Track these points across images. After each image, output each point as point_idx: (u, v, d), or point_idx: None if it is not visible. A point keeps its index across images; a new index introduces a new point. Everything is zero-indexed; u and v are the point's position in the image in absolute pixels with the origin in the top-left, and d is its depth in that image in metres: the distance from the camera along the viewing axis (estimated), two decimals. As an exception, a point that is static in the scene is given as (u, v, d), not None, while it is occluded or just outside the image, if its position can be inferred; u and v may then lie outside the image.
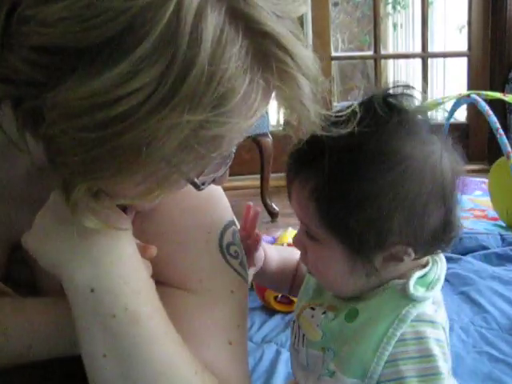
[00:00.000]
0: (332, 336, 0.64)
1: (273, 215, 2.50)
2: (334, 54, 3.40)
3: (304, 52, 0.48)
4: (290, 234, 1.59)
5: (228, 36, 0.43)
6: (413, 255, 0.61)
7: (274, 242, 1.63)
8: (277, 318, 1.44)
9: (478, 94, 1.94)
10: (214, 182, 0.59)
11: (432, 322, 0.60)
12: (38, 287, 0.68)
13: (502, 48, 3.21)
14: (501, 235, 1.85)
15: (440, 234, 0.61)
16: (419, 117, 0.61)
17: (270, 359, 1.25)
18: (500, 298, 1.45)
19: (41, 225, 0.57)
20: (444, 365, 0.59)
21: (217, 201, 0.72)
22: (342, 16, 5.69)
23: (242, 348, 0.69)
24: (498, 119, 1.86)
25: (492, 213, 2.16)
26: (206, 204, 0.70)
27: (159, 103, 0.42)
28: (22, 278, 0.68)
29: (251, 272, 0.75)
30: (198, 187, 0.54)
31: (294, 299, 1.41)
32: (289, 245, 1.51)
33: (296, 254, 0.82)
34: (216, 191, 0.73)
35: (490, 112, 1.86)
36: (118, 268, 0.56)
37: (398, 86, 0.63)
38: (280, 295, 1.44)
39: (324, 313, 0.66)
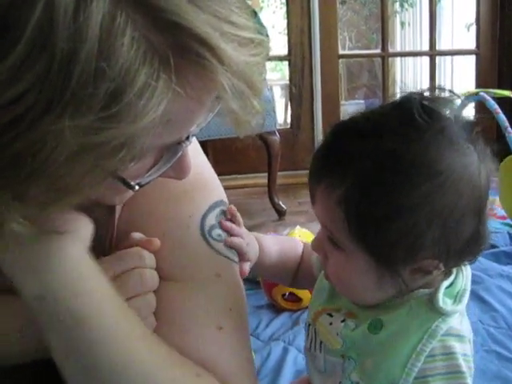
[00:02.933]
0: (353, 345, 0.62)
1: (280, 213, 2.50)
2: (341, 52, 3.38)
3: (229, 44, 0.43)
4: (298, 232, 1.59)
5: (120, 26, 0.39)
6: (442, 269, 0.59)
7: (282, 240, 1.62)
8: (284, 316, 1.45)
9: (487, 92, 1.93)
10: (174, 176, 0.57)
11: (459, 336, 0.59)
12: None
13: (511, 46, 3.20)
14: (509, 234, 1.85)
15: (470, 247, 0.59)
16: (457, 124, 0.58)
17: (277, 357, 1.25)
18: (508, 297, 1.45)
19: None
20: (470, 381, 0.58)
21: (203, 183, 0.70)
22: (349, 14, 5.69)
23: (237, 332, 0.67)
24: (507, 117, 1.86)
25: (501, 211, 2.15)
26: (191, 188, 0.68)
27: (45, 109, 0.39)
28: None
29: (247, 267, 0.72)
30: (130, 187, 0.51)
31: (302, 296, 1.42)
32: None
33: (299, 244, 0.81)
34: (204, 173, 0.71)
35: (499, 110, 1.86)
36: (57, 273, 0.55)
37: (434, 89, 0.61)
38: (287, 293, 1.44)
39: (343, 321, 0.64)
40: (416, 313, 0.59)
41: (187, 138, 0.53)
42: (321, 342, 0.66)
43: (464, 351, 0.59)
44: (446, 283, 0.60)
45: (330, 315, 0.66)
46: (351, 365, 0.62)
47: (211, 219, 0.68)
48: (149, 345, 0.59)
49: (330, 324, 0.65)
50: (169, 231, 0.66)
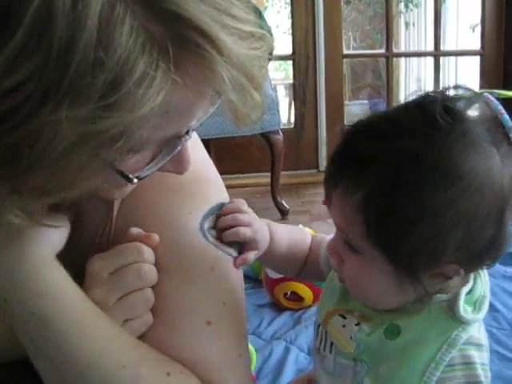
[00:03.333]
0: (367, 350, 0.61)
1: (283, 213, 2.50)
2: (345, 52, 3.37)
3: (229, 37, 0.43)
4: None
5: (119, 15, 0.39)
6: (462, 273, 0.58)
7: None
8: (286, 315, 1.45)
9: (491, 93, 1.92)
10: (172, 171, 0.57)
11: (479, 345, 0.58)
12: None
13: (516, 47, 3.19)
14: (513, 235, 1.84)
15: (490, 251, 0.58)
16: (481, 125, 0.57)
17: (279, 356, 1.25)
18: (511, 298, 1.45)
19: None
20: None
21: (203, 180, 0.70)
22: (353, 14, 5.68)
23: (228, 328, 0.66)
24: (511, 118, 1.85)
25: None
26: (192, 185, 0.68)
27: (43, 99, 0.39)
28: None
29: (252, 256, 0.69)
30: (129, 180, 0.51)
31: (304, 296, 1.42)
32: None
33: (308, 236, 0.78)
34: (205, 171, 0.71)
35: (503, 111, 1.85)
36: (19, 275, 0.56)
37: (456, 88, 0.59)
38: (289, 292, 1.45)
39: (357, 324, 0.62)
40: (435, 320, 0.58)
41: (187, 132, 0.53)
42: (331, 344, 0.65)
43: (482, 360, 0.57)
44: (465, 289, 0.59)
45: (343, 317, 0.64)
46: (364, 369, 0.61)
47: (211, 221, 0.68)
48: (114, 343, 0.59)
49: (343, 326, 0.63)
50: (167, 226, 0.66)
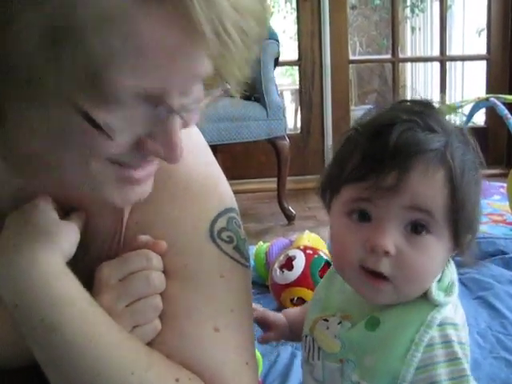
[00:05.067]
0: (351, 346, 0.63)
1: (289, 218, 2.50)
2: (351, 57, 3.39)
3: None
4: (307, 237, 1.59)
5: None
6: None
7: (291, 244, 1.63)
8: (293, 321, 1.45)
9: (497, 98, 1.92)
10: (163, 156, 0.54)
11: (454, 325, 0.61)
12: None
13: (522, 51, 3.19)
14: (519, 240, 1.84)
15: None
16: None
17: (285, 361, 1.25)
18: (518, 304, 1.44)
19: None
20: (468, 366, 0.60)
21: (213, 189, 0.70)
22: (359, 19, 5.69)
23: (236, 335, 0.65)
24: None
25: (511, 217, 2.14)
26: (201, 192, 0.68)
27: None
28: None
29: (271, 335, 0.79)
30: (96, 126, 0.48)
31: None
32: (305, 247, 1.51)
33: None
34: (214, 179, 0.71)
35: (509, 116, 1.85)
36: (29, 281, 0.56)
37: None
38: (296, 297, 1.45)
39: (340, 323, 0.65)
40: (410, 307, 0.62)
41: (177, 111, 0.51)
42: (319, 350, 0.66)
43: (460, 339, 0.61)
44: (435, 279, 0.63)
45: (326, 320, 0.67)
46: (350, 367, 0.62)
47: (221, 222, 0.68)
48: (123, 350, 0.59)
49: (327, 328, 0.66)
50: (175, 233, 0.66)
